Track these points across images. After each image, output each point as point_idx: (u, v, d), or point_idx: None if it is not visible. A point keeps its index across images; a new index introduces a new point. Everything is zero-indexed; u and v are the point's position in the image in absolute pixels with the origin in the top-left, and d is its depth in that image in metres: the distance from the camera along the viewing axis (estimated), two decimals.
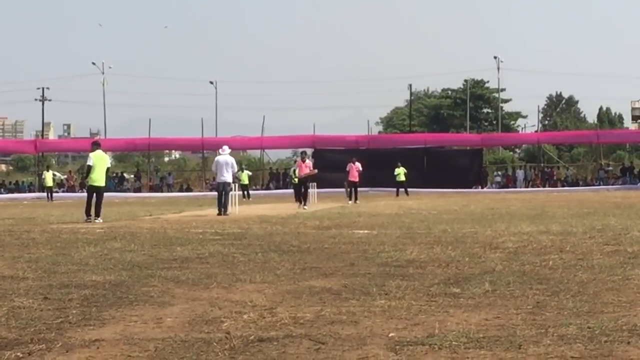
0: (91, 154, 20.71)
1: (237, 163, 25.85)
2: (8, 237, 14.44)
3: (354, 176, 34.94)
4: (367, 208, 26.28)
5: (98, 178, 20.29)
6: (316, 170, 31.06)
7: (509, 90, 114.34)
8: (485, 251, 10.69)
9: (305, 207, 27.13)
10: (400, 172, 44.36)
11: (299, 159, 31.29)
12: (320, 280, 8.09)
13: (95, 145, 21.00)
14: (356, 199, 33.72)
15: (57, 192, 58.35)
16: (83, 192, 20.66)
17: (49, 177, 50.16)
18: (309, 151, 61.28)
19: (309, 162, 30.55)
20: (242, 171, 48.96)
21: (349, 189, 35.04)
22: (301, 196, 28.72)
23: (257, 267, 9.31)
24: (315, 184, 35.42)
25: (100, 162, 20.40)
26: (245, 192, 44.91)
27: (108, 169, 20.86)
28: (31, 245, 12.63)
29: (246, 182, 47.45)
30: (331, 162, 54.23)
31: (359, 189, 35.08)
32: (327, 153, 58.29)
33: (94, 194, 20.19)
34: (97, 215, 19.86)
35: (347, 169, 35.27)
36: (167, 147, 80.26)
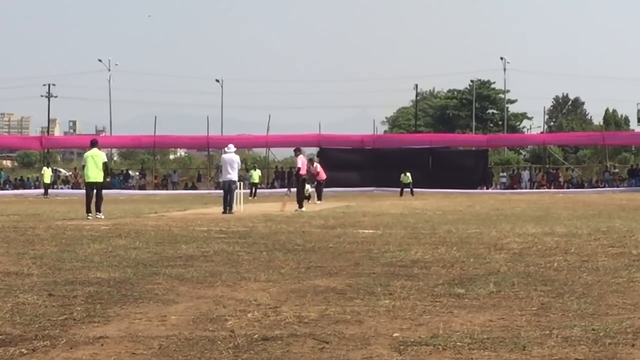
0: (85, 154, 21.47)
1: (248, 162, 25.10)
2: (13, 234, 14.47)
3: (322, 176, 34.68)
4: (372, 208, 26.26)
5: (91, 174, 20.67)
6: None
7: (515, 91, 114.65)
8: (490, 252, 10.68)
9: (297, 209, 24.41)
10: (404, 178, 44.58)
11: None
12: (324, 280, 8.09)
13: (91, 144, 21.39)
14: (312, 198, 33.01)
15: (62, 188, 58.54)
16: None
17: (47, 174, 50.35)
18: (314, 150, 61.62)
19: (303, 158, 27.68)
20: (254, 169, 49.02)
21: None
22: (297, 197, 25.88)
23: (261, 265, 9.31)
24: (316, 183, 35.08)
25: (91, 160, 20.76)
26: (253, 190, 44.89)
27: (105, 164, 21.04)
28: (36, 241, 12.65)
29: (257, 180, 47.46)
30: (337, 161, 54.36)
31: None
32: (332, 152, 58.40)
33: (92, 190, 20.53)
34: (98, 210, 20.15)
35: (319, 170, 34.70)
36: (172, 144, 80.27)
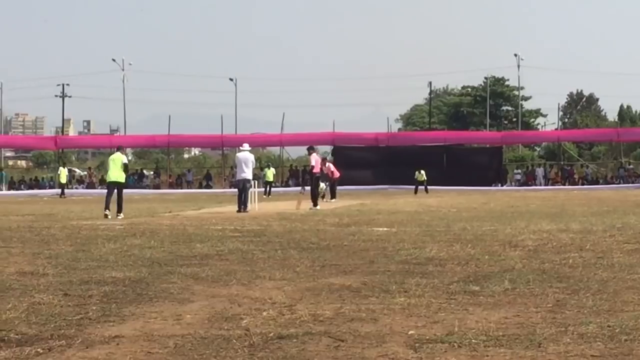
0: (109, 158, 23.32)
1: (263, 161, 25.01)
2: (28, 234, 14.52)
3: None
4: (386, 206, 26.23)
5: (112, 175, 21.72)
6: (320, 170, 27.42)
7: (529, 88, 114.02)
8: (505, 249, 10.66)
9: (311, 207, 24.35)
10: (419, 176, 44.47)
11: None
12: (339, 278, 8.08)
13: (117, 149, 23.12)
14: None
15: (76, 188, 58.75)
16: (103, 188, 22.80)
17: (63, 174, 50.48)
18: (328, 148, 61.66)
19: (316, 156, 27.63)
20: (269, 168, 49.07)
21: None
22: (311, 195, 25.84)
23: (276, 264, 9.31)
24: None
25: (113, 163, 21.86)
26: (268, 189, 44.84)
27: (126, 165, 21.95)
28: (51, 241, 12.69)
29: (271, 179, 47.46)
30: (351, 159, 54.37)
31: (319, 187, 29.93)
32: (346, 150, 58.40)
33: (113, 189, 21.32)
34: (119, 211, 20.65)
35: (332, 169, 34.19)
36: (186, 144, 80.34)
